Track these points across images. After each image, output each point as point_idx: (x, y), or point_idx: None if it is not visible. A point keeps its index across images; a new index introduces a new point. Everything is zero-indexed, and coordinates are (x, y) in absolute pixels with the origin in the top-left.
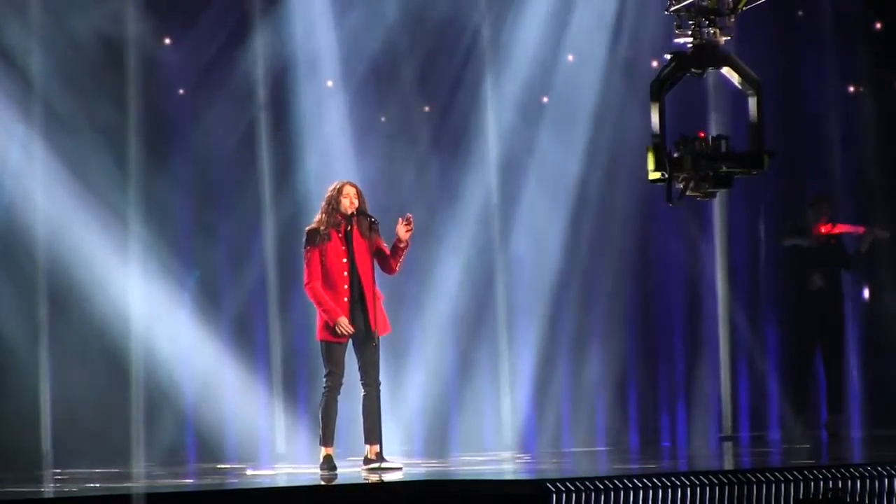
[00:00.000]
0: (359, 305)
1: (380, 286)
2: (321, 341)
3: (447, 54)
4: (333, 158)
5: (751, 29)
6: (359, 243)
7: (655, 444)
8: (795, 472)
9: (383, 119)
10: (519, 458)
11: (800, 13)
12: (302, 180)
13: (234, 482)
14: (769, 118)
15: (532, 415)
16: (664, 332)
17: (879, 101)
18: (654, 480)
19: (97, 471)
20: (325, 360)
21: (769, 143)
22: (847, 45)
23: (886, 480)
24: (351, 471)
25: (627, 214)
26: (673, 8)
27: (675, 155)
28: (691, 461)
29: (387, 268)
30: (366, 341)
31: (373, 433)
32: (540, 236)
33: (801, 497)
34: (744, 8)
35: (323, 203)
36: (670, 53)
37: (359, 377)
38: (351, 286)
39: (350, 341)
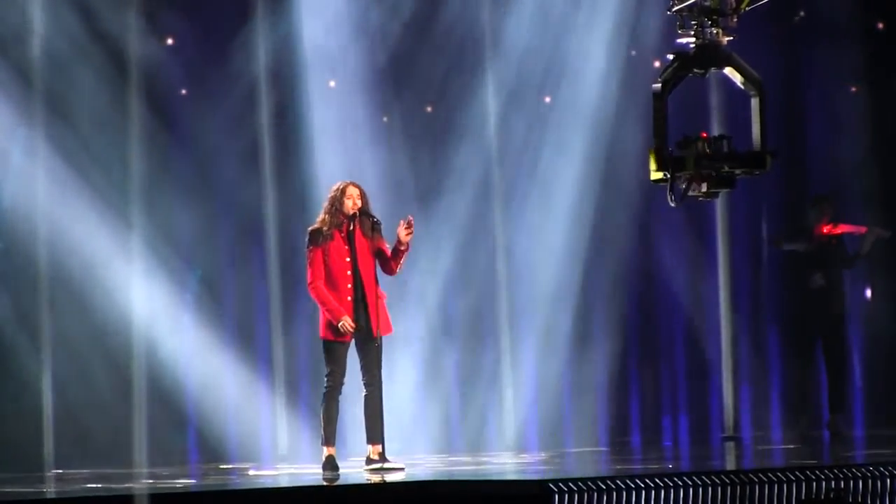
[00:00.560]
0: (361, 305)
1: (382, 285)
2: (323, 340)
3: (449, 55)
4: (335, 159)
5: (752, 29)
6: (361, 243)
7: (657, 444)
8: (797, 472)
9: (385, 119)
10: (521, 458)
11: (801, 13)
12: (304, 180)
13: (236, 482)
14: (771, 118)
15: (534, 415)
16: (665, 331)
17: (880, 101)
18: (656, 481)
19: (99, 471)
20: (326, 359)
21: (770, 143)
22: (847, 45)
23: (888, 480)
24: (353, 471)
25: (629, 214)
26: (675, 8)
27: (678, 155)
28: (693, 461)
29: (387, 269)
30: (368, 341)
31: (375, 433)
32: (541, 236)
33: (802, 497)
34: (746, 8)
35: (326, 203)
36: (672, 53)
37: (361, 377)
38: (354, 286)
39: (352, 341)
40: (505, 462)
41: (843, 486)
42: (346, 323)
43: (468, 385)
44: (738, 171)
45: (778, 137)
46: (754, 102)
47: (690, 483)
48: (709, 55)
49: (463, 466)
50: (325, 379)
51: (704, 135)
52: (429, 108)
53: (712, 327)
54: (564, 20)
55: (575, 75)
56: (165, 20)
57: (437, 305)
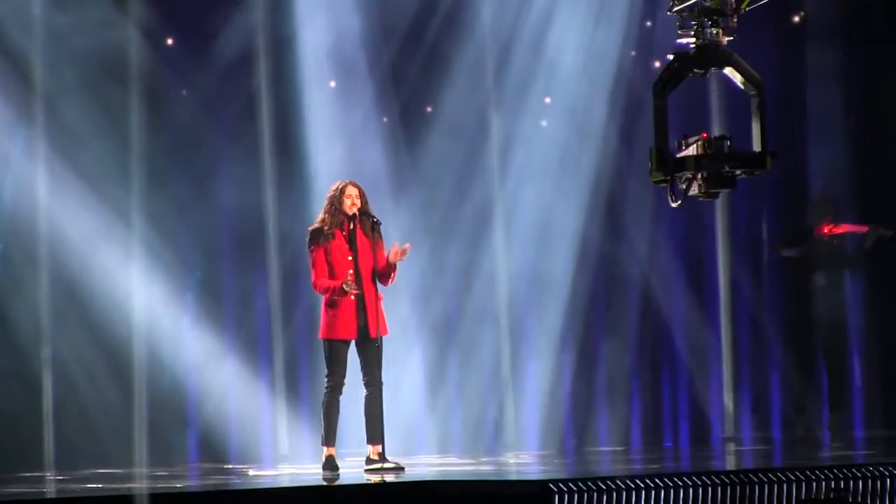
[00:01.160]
0: (362, 304)
1: (381, 287)
2: (324, 340)
3: (450, 55)
4: (336, 158)
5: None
6: (362, 242)
7: (658, 444)
8: (798, 473)
9: (385, 120)
10: (521, 458)
11: (801, 13)
12: (305, 180)
13: (236, 483)
14: (771, 119)
15: (534, 415)
16: (667, 331)
17: (880, 101)
18: (656, 481)
19: (99, 471)
20: (327, 359)
21: (771, 143)
22: (847, 45)
23: (889, 480)
24: (353, 471)
25: (631, 215)
26: (676, 8)
27: (678, 155)
28: (694, 461)
29: (380, 279)
30: (367, 341)
31: (375, 433)
32: (542, 236)
33: (803, 497)
34: (746, 8)
35: (325, 203)
36: (673, 54)
37: (361, 377)
38: (356, 284)
39: (353, 341)
40: (505, 462)
41: (843, 486)
42: (349, 281)
43: (468, 385)
44: (738, 172)
45: (778, 138)
46: (754, 103)
47: (690, 483)
48: (709, 55)
49: (463, 466)
50: (326, 379)
51: (705, 135)
52: (429, 108)
53: (713, 327)
54: (565, 20)
55: (576, 76)
56: (166, 20)
57: (437, 305)
